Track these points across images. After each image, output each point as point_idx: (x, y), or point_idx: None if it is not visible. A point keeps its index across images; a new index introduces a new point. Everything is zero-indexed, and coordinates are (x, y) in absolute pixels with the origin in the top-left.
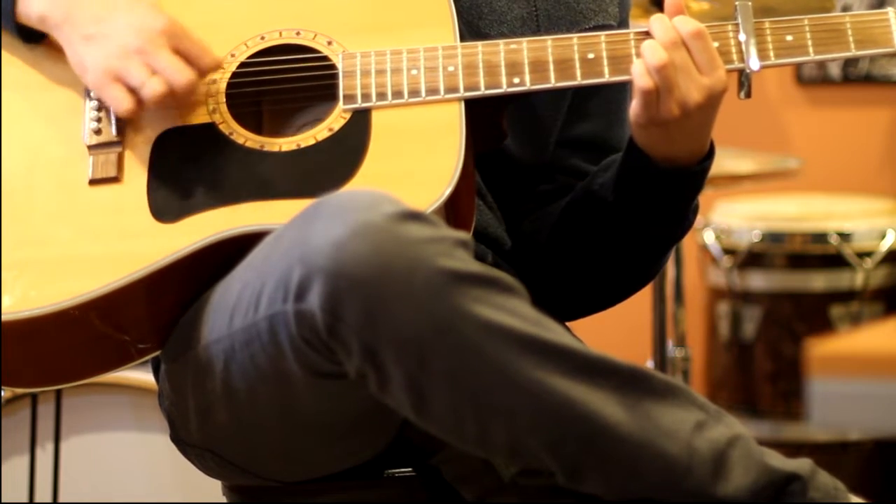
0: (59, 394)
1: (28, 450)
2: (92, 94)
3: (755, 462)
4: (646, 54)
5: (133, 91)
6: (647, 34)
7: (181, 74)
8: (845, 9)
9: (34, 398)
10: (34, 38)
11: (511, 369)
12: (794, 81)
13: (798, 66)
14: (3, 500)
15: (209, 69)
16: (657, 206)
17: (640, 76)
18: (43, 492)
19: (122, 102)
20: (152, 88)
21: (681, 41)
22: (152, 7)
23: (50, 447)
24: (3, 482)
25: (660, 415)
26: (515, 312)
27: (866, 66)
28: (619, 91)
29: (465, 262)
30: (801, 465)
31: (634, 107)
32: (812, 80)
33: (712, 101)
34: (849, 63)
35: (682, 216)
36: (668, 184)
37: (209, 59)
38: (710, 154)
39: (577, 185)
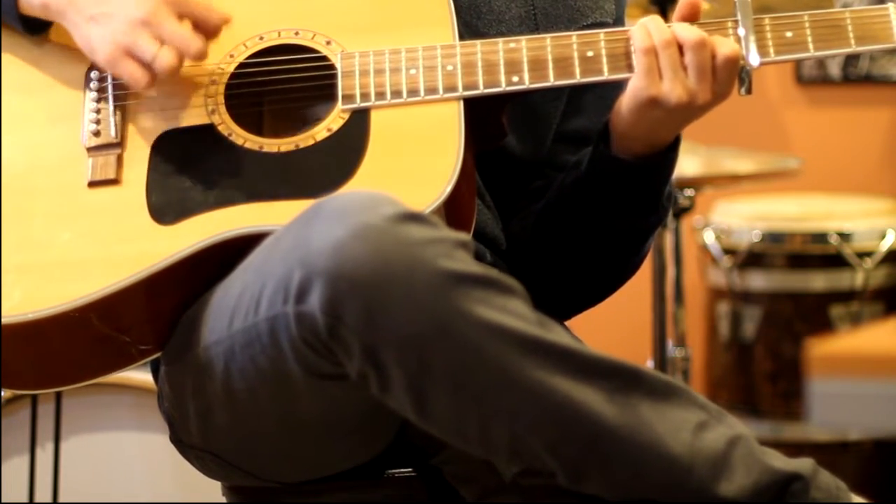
0: (59, 394)
1: (28, 450)
2: (93, 86)
3: (757, 462)
4: (650, 25)
5: (146, 65)
6: None
7: (190, 42)
8: (845, 5)
9: (34, 398)
10: (38, 28)
11: (512, 370)
12: (794, 81)
13: (798, 66)
14: (3, 500)
15: (218, 28)
16: (626, 198)
17: (641, 38)
18: (43, 492)
19: (137, 78)
20: (165, 59)
21: (674, 41)
22: None
23: (50, 447)
24: (3, 482)
25: (661, 415)
26: (516, 313)
27: (866, 65)
28: (614, 87)
29: (466, 263)
30: (803, 464)
31: (635, 78)
32: (812, 79)
33: (711, 107)
34: (849, 63)
35: (654, 206)
36: (634, 175)
37: (216, 16)
38: (675, 143)
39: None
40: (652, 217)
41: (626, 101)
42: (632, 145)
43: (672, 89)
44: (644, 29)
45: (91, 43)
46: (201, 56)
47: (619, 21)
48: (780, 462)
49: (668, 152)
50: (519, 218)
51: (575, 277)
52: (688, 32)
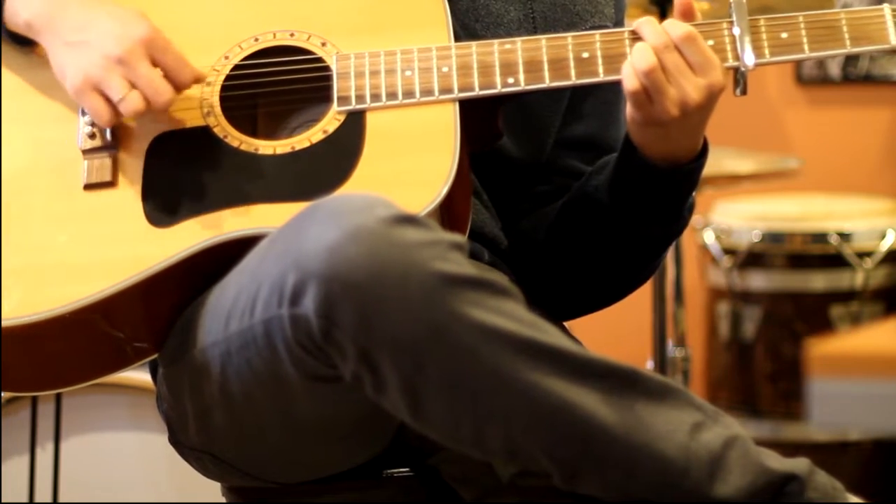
0: (59, 394)
1: (28, 450)
2: None
3: (753, 463)
4: (634, 57)
5: (111, 103)
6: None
7: (160, 92)
8: (845, 5)
9: (34, 398)
10: (25, 42)
11: (506, 372)
12: (794, 81)
13: (798, 66)
14: (3, 500)
15: (188, 84)
16: (653, 205)
17: (627, 77)
18: (43, 492)
19: (101, 114)
20: (131, 104)
21: (672, 44)
22: (136, 15)
23: (50, 447)
24: (3, 482)
25: (656, 416)
26: (510, 315)
27: (866, 65)
28: (614, 91)
29: (460, 265)
30: (799, 464)
31: (628, 108)
32: (812, 79)
33: (711, 100)
34: (849, 63)
35: (677, 214)
36: (664, 182)
37: (188, 73)
38: (704, 150)
39: (573, 186)
40: (673, 226)
41: (629, 127)
42: (653, 158)
43: (663, 109)
44: (630, 68)
45: (63, 69)
46: (166, 109)
47: (618, 25)
48: (776, 462)
49: (697, 160)
50: (528, 220)
51: (589, 281)
52: (677, 29)
